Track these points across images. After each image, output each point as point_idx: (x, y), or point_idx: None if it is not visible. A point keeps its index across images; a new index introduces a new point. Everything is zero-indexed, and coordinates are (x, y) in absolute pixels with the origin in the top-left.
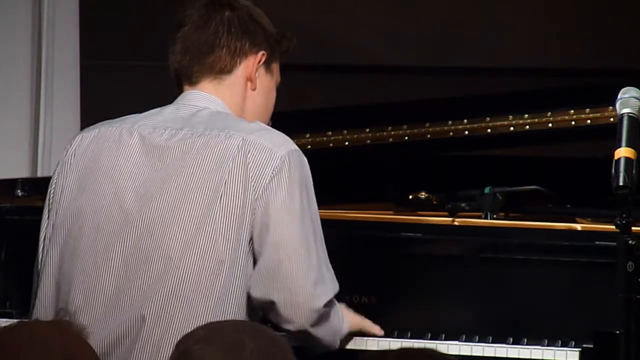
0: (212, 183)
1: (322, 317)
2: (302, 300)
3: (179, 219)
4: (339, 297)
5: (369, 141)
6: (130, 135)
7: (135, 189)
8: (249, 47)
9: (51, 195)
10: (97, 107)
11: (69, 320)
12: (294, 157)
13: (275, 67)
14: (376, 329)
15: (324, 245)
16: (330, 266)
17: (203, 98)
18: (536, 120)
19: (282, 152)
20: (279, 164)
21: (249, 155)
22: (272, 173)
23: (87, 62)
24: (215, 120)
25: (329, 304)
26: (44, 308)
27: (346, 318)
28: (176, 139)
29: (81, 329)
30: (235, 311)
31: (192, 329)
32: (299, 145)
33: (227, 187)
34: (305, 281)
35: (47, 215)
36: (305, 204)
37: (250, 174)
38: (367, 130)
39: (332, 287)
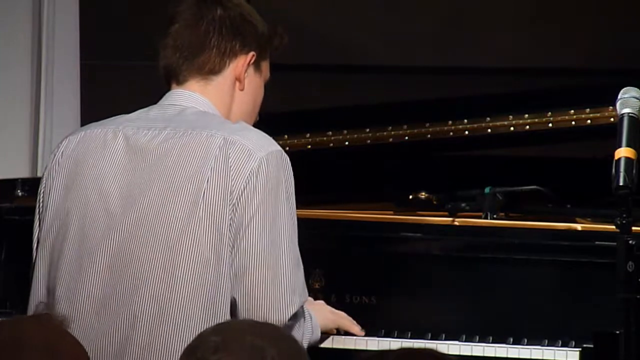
0: (195, 183)
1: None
2: (261, 311)
3: (162, 220)
4: (340, 296)
5: (369, 141)
6: (115, 137)
7: (120, 191)
8: (239, 47)
9: (40, 202)
10: (97, 107)
11: (49, 312)
12: (272, 158)
13: (265, 64)
14: (355, 329)
15: (297, 252)
16: (300, 274)
17: (189, 97)
18: (536, 120)
19: (261, 154)
20: (257, 165)
21: (229, 154)
22: (249, 175)
23: (87, 62)
24: (199, 119)
25: (293, 318)
26: None
27: (320, 317)
28: (159, 139)
29: (62, 320)
30: (225, 311)
31: (182, 332)
32: (299, 145)
33: (209, 187)
34: (267, 293)
35: (37, 222)
36: (280, 208)
37: (232, 173)
38: (367, 130)
39: (298, 299)
